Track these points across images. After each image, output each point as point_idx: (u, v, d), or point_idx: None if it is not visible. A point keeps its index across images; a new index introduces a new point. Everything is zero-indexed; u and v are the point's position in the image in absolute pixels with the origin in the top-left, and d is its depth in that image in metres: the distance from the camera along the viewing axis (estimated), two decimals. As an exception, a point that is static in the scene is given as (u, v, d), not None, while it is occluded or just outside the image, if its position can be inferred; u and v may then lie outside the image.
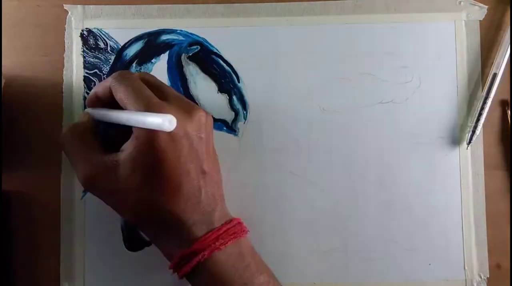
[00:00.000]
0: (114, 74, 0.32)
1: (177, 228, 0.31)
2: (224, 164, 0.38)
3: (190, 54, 0.39)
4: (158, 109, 0.29)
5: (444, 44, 0.38)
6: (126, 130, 0.31)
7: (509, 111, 0.38)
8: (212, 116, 0.38)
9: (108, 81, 0.32)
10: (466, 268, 0.38)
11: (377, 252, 0.37)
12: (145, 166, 0.30)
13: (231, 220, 0.32)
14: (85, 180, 0.31)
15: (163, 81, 0.38)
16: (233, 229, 0.32)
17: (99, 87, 0.33)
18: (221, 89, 0.39)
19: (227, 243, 0.31)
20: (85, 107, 0.38)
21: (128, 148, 0.30)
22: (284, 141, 0.38)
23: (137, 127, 0.30)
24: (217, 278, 0.30)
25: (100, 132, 0.34)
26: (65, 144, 0.33)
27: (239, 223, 0.33)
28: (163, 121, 0.26)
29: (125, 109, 0.31)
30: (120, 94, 0.31)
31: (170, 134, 0.29)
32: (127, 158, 0.30)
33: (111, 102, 0.32)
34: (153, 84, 0.32)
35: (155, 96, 0.31)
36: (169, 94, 0.32)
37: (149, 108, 0.29)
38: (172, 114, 0.28)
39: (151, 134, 0.29)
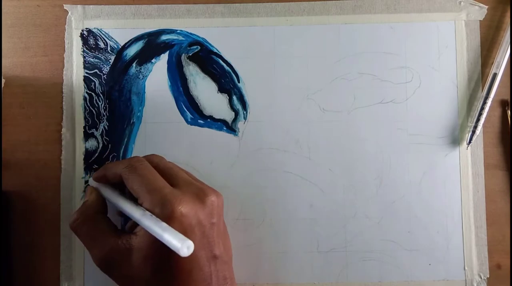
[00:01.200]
0: (125, 161, 0.32)
1: None
2: (224, 164, 0.38)
3: (190, 54, 0.39)
4: (172, 201, 0.29)
5: (444, 44, 0.38)
6: None
7: (509, 111, 0.38)
8: (212, 116, 0.38)
9: (119, 169, 0.32)
10: (466, 268, 0.38)
11: (377, 252, 0.37)
12: (157, 256, 0.29)
13: None
14: (101, 264, 0.31)
15: (163, 81, 0.38)
16: None
17: (109, 171, 0.33)
18: (221, 89, 0.39)
19: None
20: (86, 108, 0.38)
21: (141, 234, 0.30)
22: (284, 141, 0.38)
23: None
24: None
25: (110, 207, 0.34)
26: (77, 230, 0.32)
27: None
28: (181, 247, 0.26)
29: (137, 198, 0.30)
30: (132, 184, 0.31)
31: (183, 227, 0.29)
32: (141, 245, 0.30)
33: (120, 184, 0.32)
34: (163, 169, 0.32)
35: (167, 185, 0.31)
36: (180, 178, 0.32)
37: (162, 201, 0.29)
38: (184, 204, 0.29)
39: None
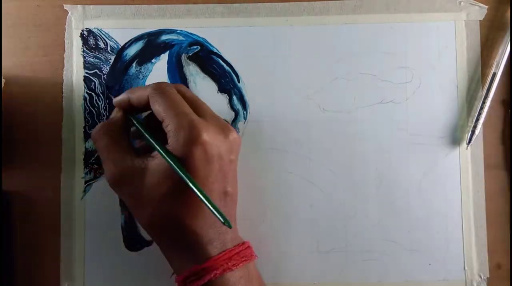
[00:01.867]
0: (153, 84, 0.32)
1: (192, 244, 0.31)
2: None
3: (190, 54, 0.39)
4: (198, 127, 0.29)
5: (444, 44, 0.38)
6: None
7: (509, 111, 0.38)
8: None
9: (147, 91, 0.32)
10: (466, 268, 0.38)
11: (377, 252, 0.37)
12: (173, 179, 0.30)
13: (243, 243, 0.32)
14: (112, 179, 0.31)
15: (163, 81, 0.38)
16: (244, 252, 0.32)
17: (134, 94, 0.33)
18: (221, 89, 0.39)
19: (238, 264, 0.31)
20: (86, 108, 0.38)
21: (159, 158, 0.30)
22: (284, 141, 0.38)
23: (173, 140, 0.30)
24: None
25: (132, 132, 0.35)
26: (97, 141, 0.33)
27: (249, 247, 0.33)
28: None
29: (162, 121, 0.31)
30: (159, 106, 0.31)
31: (205, 154, 0.29)
32: (157, 167, 0.30)
33: (141, 109, 0.33)
34: (190, 99, 0.33)
35: (193, 113, 0.31)
36: (206, 111, 0.32)
37: (188, 125, 0.29)
38: (210, 132, 0.29)
39: (187, 150, 0.29)
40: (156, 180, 0.30)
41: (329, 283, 0.37)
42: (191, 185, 0.28)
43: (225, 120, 0.38)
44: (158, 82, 0.32)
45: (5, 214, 0.37)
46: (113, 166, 0.31)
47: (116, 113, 0.34)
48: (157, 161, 0.30)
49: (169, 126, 0.30)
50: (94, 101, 0.38)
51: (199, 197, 0.28)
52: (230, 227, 0.28)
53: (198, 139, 0.29)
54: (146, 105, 0.32)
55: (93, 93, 0.38)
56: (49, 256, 0.37)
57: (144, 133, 0.32)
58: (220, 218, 0.28)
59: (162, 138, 0.31)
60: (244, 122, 0.38)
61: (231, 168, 0.32)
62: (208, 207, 0.28)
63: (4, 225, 0.37)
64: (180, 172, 0.29)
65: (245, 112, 0.38)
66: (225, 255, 0.31)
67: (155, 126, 0.32)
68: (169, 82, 0.38)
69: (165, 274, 0.37)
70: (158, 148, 0.30)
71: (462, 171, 0.38)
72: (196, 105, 0.32)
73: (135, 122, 0.33)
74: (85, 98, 0.38)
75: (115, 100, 0.34)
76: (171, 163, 0.29)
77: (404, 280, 0.37)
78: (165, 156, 0.29)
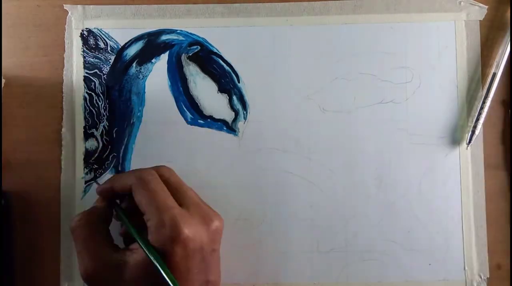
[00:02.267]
0: (136, 173, 0.32)
1: None
2: (224, 164, 0.38)
3: (190, 54, 0.39)
4: (179, 223, 0.29)
5: (444, 44, 0.38)
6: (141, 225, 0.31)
7: (509, 111, 0.38)
8: (212, 116, 0.38)
9: (130, 180, 0.31)
10: (466, 268, 0.38)
11: (377, 252, 0.37)
12: (153, 274, 0.29)
13: None
14: (87, 273, 0.30)
15: (163, 81, 0.38)
16: None
17: (117, 183, 0.32)
18: (221, 89, 0.39)
19: None
20: (86, 108, 0.38)
21: (138, 252, 0.30)
22: (284, 141, 0.38)
23: (154, 237, 0.29)
24: None
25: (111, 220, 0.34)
26: (75, 231, 0.32)
27: None
28: None
29: (144, 213, 0.30)
30: (141, 198, 0.30)
31: (186, 249, 0.29)
32: (137, 263, 0.29)
33: (124, 196, 0.32)
34: (173, 185, 0.32)
35: (176, 206, 0.30)
36: (188, 198, 0.32)
37: (170, 222, 0.29)
38: (192, 227, 0.29)
39: (168, 248, 0.29)
40: (134, 275, 0.29)
41: (329, 283, 0.37)
42: (166, 278, 0.28)
43: (224, 119, 0.38)
44: (141, 171, 0.32)
45: (5, 214, 0.37)
46: (89, 259, 0.30)
47: (98, 203, 0.33)
48: (136, 256, 0.29)
49: (150, 221, 0.30)
50: (94, 101, 0.38)
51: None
52: None
53: (179, 237, 0.29)
54: (128, 193, 0.31)
55: (93, 93, 0.38)
56: (49, 256, 0.37)
57: (127, 224, 0.31)
58: None
59: (144, 225, 0.30)
60: (244, 122, 0.38)
61: (213, 257, 0.32)
62: None
63: (4, 225, 0.37)
64: (160, 268, 0.28)
65: (245, 112, 0.38)
66: None
67: (138, 212, 0.31)
68: (169, 82, 0.38)
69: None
70: (140, 242, 0.30)
71: (462, 171, 0.38)
72: (180, 192, 0.32)
73: (119, 212, 0.33)
74: (85, 98, 0.38)
75: (99, 189, 0.34)
76: (151, 257, 0.28)
77: (404, 280, 0.37)
78: (146, 250, 0.29)
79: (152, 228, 0.29)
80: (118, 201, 0.34)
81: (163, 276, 0.28)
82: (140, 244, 0.29)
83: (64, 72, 0.38)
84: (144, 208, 0.30)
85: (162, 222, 0.29)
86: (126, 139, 0.38)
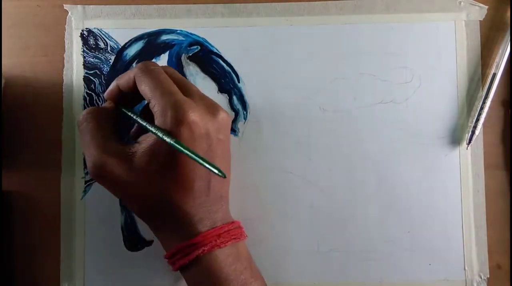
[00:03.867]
0: (139, 64, 0.32)
1: (182, 222, 0.31)
2: (224, 164, 0.38)
3: (190, 54, 0.39)
4: (184, 106, 0.29)
5: (444, 44, 0.38)
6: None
7: (510, 111, 0.38)
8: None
9: (133, 72, 0.31)
10: (466, 268, 0.38)
11: (377, 252, 0.37)
12: (162, 161, 0.30)
13: (232, 222, 0.33)
14: (95, 166, 0.30)
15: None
16: (234, 230, 0.32)
17: (121, 79, 0.32)
18: (221, 89, 0.39)
19: (227, 242, 0.31)
20: (86, 108, 0.38)
21: (147, 140, 0.30)
22: (284, 141, 0.38)
23: (161, 121, 0.30)
24: (213, 274, 0.30)
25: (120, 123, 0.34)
26: (83, 124, 0.32)
27: (239, 227, 0.33)
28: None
29: (149, 101, 0.30)
30: (145, 87, 0.30)
31: (192, 134, 0.29)
32: (145, 150, 0.30)
33: (133, 95, 0.32)
34: (176, 79, 0.32)
35: (180, 93, 0.31)
36: (193, 91, 0.32)
37: (175, 104, 0.29)
38: (197, 112, 0.29)
39: (174, 131, 0.29)
40: (144, 163, 0.30)
41: (329, 283, 0.37)
42: (181, 148, 0.28)
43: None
44: (144, 62, 0.32)
45: (5, 214, 0.37)
46: (97, 152, 0.30)
47: (107, 103, 0.34)
48: (144, 145, 0.30)
49: (156, 106, 0.30)
50: (94, 101, 0.38)
51: (192, 157, 0.28)
52: (224, 176, 0.28)
53: (185, 119, 0.29)
54: (134, 89, 0.31)
55: (93, 93, 0.38)
56: (49, 256, 0.37)
57: (133, 115, 0.32)
58: (215, 170, 0.28)
59: (151, 121, 0.31)
60: (244, 122, 0.38)
61: (220, 147, 0.32)
62: (201, 163, 0.28)
63: (4, 225, 0.37)
64: (169, 140, 0.28)
65: (245, 112, 0.38)
66: (214, 232, 0.31)
67: (145, 110, 0.32)
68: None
69: (165, 274, 0.37)
70: (146, 124, 0.30)
71: (462, 171, 0.38)
72: (184, 86, 0.32)
73: (125, 110, 0.33)
74: (85, 98, 0.38)
75: (106, 92, 0.34)
76: (161, 134, 0.29)
77: (404, 280, 0.37)
78: (154, 130, 0.29)
79: (158, 112, 0.30)
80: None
81: (172, 162, 0.29)
82: (146, 125, 0.30)
83: (64, 72, 0.38)
84: (149, 95, 0.30)
85: (168, 104, 0.29)
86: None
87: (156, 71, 0.31)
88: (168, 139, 0.28)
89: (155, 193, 0.30)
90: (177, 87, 0.31)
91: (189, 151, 0.28)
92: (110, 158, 0.30)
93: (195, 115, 0.29)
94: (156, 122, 0.30)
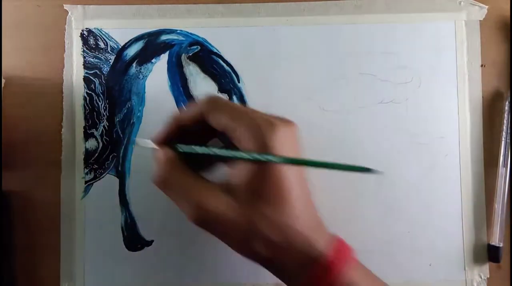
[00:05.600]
0: (204, 100, 0.30)
1: (302, 246, 0.28)
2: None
3: (190, 54, 0.39)
4: (269, 118, 0.29)
5: (444, 44, 0.38)
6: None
7: (510, 111, 0.38)
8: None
9: (199, 108, 0.30)
10: (466, 268, 0.38)
11: (377, 252, 0.37)
12: (263, 182, 0.28)
13: (334, 237, 0.31)
14: (196, 212, 0.28)
15: (163, 81, 0.38)
16: (345, 245, 0.30)
17: (183, 117, 0.31)
18: (221, 89, 0.39)
19: (351, 257, 0.30)
20: (86, 108, 0.38)
21: (238, 170, 0.29)
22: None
23: (248, 138, 0.28)
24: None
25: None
26: (163, 182, 0.30)
27: (342, 240, 0.31)
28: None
29: (228, 130, 0.29)
30: (220, 118, 0.29)
31: (286, 140, 0.29)
32: (243, 181, 0.28)
33: (189, 131, 0.31)
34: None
35: (255, 110, 0.30)
36: (254, 111, 0.31)
37: (261, 118, 0.28)
38: (280, 124, 0.28)
39: (267, 142, 0.28)
40: (247, 193, 0.28)
41: (329, 283, 0.37)
42: (297, 161, 0.27)
43: None
44: (208, 97, 0.30)
45: (5, 214, 0.37)
46: (192, 201, 0.28)
47: (166, 153, 0.30)
48: (237, 179, 0.29)
49: (240, 129, 0.28)
50: (94, 101, 0.38)
51: (326, 165, 0.27)
52: (378, 172, 0.27)
53: (277, 129, 0.28)
54: (198, 124, 0.30)
55: (93, 93, 0.38)
56: (49, 256, 0.37)
57: (215, 151, 0.30)
58: (362, 169, 0.27)
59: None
60: (244, 122, 0.38)
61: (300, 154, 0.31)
62: (343, 167, 0.27)
63: (4, 225, 0.37)
64: (273, 158, 0.27)
65: (245, 112, 0.38)
66: (337, 249, 0.29)
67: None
68: (169, 82, 0.38)
69: (165, 274, 0.37)
70: (235, 152, 0.29)
71: (462, 171, 0.38)
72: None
73: (200, 148, 0.30)
74: (85, 98, 0.38)
75: (158, 135, 0.31)
76: (259, 157, 0.27)
77: (404, 280, 0.37)
78: (246, 155, 0.28)
79: (245, 131, 0.28)
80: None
81: (276, 188, 0.27)
82: (238, 153, 0.28)
83: (64, 72, 0.38)
84: (228, 122, 0.29)
85: (255, 122, 0.28)
86: (126, 139, 0.38)
87: (223, 101, 0.30)
88: (273, 159, 0.27)
89: (267, 223, 0.28)
90: None
91: (311, 162, 0.28)
92: (209, 199, 0.28)
93: (283, 126, 0.29)
94: (243, 143, 0.28)
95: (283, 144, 0.28)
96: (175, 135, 0.31)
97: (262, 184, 0.28)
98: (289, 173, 0.28)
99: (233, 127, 0.29)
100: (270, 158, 0.27)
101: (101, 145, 0.38)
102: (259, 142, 0.28)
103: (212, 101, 0.30)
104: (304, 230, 0.29)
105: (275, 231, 0.28)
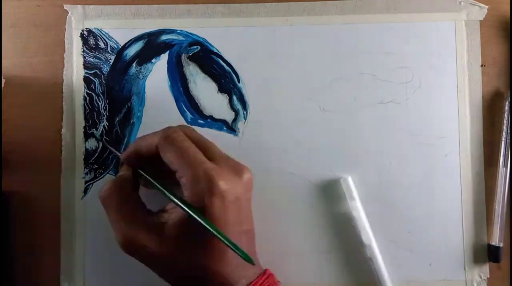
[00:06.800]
0: (160, 133, 0.31)
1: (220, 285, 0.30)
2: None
3: (190, 54, 0.39)
4: (214, 176, 0.29)
5: (444, 44, 0.38)
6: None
7: (510, 111, 0.38)
8: (212, 116, 0.38)
9: (155, 140, 0.31)
10: (466, 268, 0.38)
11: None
12: (193, 230, 0.29)
13: (264, 272, 0.32)
14: (125, 240, 0.30)
15: (163, 81, 0.38)
16: (268, 280, 0.32)
17: (141, 145, 0.32)
18: (221, 89, 0.39)
19: None
20: (86, 108, 0.38)
21: (176, 210, 0.30)
22: (284, 141, 0.38)
23: (190, 193, 0.29)
24: None
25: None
26: (105, 201, 0.31)
27: (271, 274, 0.33)
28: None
29: (174, 171, 0.30)
30: (170, 156, 0.30)
31: (223, 202, 0.29)
32: (175, 223, 0.30)
33: (149, 159, 0.32)
34: (196, 141, 0.32)
35: (206, 160, 0.30)
36: (215, 152, 0.32)
37: (204, 176, 0.29)
38: (226, 179, 0.29)
39: (205, 202, 0.29)
40: (174, 233, 0.30)
41: (329, 283, 0.37)
42: (212, 231, 0.28)
43: (224, 119, 0.38)
44: (166, 130, 0.31)
45: (5, 214, 0.37)
46: (125, 226, 0.30)
47: (124, 171, 0.33)
48: (174, 216, 0.30)
49: (184, 178, 0.29)
50: (94, 101, 0.38)
51: (223, 241, 0.28)
52: (253, 264, 0.28)
53: (216, 190, 0.29)
54: (156, 154, 0.31)
55: (93, 93, 0.38)
56: (49, 256, 0.37)
57: (159, 187, 0.31)
58: (242, 256, 0.28)
59: (173, 184, 0.30)
60: (244, 122, 0.38)
61: (247, 207, 0.32)
62: (232, 249, 0.28)
63: (4, 225, 0.37)
64: (199, 219, 0.28)
65: (245, 112, 0.38)
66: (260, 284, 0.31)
67: (165, 171, 0.31)
68: (169, 82, 0.38)
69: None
70: (175, 199, 0.30)
71: (462, 171, 0.38)
72: (205, 147, 0.32)
73: (147, 177, 0.32)
74: (85, 98, 0.38)
75: (123, 156, 0.33)
76: (190, 212, 0.29)
77: (404, 280, 0.37)
78: (184, 206, 0.29)
79: (187, 183, 0.29)
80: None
81: (203, 230, 0.28)
82: (176, 201, 0.29)
83: (64, 72, 0.38)
84: (176, 166, 0.30)
85: (197, 176, 0.29)
86: (126, 139, 0.38)
87: (179, 139, 0.30)
88: (200, 220, 0.28)
89: (189, 262, 0.30)
90: (199, 149, 0.31)
91: (219, 234, 0.28)
92: (139, 232, 0.30)
93: (225, 184, 0.29)
94: (186, 193, 0.30)
95: (219, 207, 0.29)
96: (136, 158, 0.32)
97: (191, 231, 0.29)
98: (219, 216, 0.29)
99: (177, 169, 0.30)
100: (199, 220, 0.28)
101: (101, 145, 0.38)
102: (197, 197, 0.29)
103: (166, 136, 0.31)
104: (224, 270, 0.30)
105: (195, 271, 0.30)
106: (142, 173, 0.33)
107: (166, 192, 0.31)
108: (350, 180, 0.37)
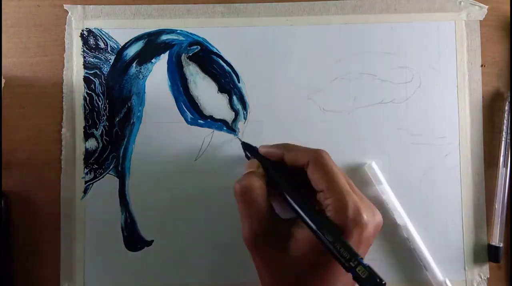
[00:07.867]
0: (313, 151, 0.31)
1: None
2: (224, 164, 0.38)
3: (190, 54, 0.39)
4: (361, 208, 0.29)
5: (444, 44, 0.38)
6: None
7: (510, 111, 0.38)
8: (212, 116, 0.38)
9: (307, 156, 0.31)
10: (466, 268, 0.38)
11: (377, 252, 0.37)
12: (317, 252, 0.29)
13: None
14: (254, 236, 0.30)
15: (163, 81, 0.38)
16: None
17: (291, 152, 0.32)
18: (221, 89, 0.39)
19: None
20: (86, 108, 0.38)
21: (307, 245, 0.30)
22: (284, 141, 0.38)
23: (335, 217, 0.29)
24: None
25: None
26: (248, 192, 0.31)
27: None
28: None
29: (319, 190, 0.30)
30: (320, 177, 0.30)
31: (361, 234, 0.29)
32: (305, 238, 0.29)
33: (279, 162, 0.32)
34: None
35: (352, 192, 0.30)
36: (353, 186, 0.32)
37: (354, 206, 0.29)
38: (368, 215, 0.29)
39: (346, 229, 0.28)
40: (300, 250, 0.29)
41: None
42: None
43: (224, 119, 0.38)
44: (317, 150, 0.31)
45: (5, 214, 0.37)
46: (257, 222, 0.30)
47: (258, 168, 0.33)
48: (306, 231, 0.29)
49: (330, 200, 0.29)
50: (94, 101, 0.38)
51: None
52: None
53: (361, 222, 0.29)
54: (299, 167, 0.31)
55: (93, 93, 0.38)
56: (49, 256, 0.37)
57: (297, 202, 0.30)
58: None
59: (302, 195, 0.30)
60: (244, 122, 0.38)
61: (368, 246, 0.31)
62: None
63: (3, 225, 0.37)
64: (346, 242, 0.28)
65: (245, 112, 0.38)
66: None
67: (288, 178, 0.31)
68: (169, 82, 0.38)
69: (165, 274, 0.37)
70: (307, 219, 0.29)
71: (462, 171, 0.38)
72: (347, 181, 0.32)
73: (286, 195, 0.31)
74: (85, 98, 0.38)
75: (265, 150, 0.33)
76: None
77: (404, 280, 0.37)
78: (321, 230, 0.28)
79: (334, 207, 0.29)
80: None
81: (334, 254, 0.27)
82: (313, 222, 0.29)
83: (64, 72, 0.38)
84: (323, 187, 0.30)
85: (346, 204, 0.29)
86: (126, 139, 0.38)
87: (331, 163, 0.31)
88: (347, 243, 0.28)
89: (305, 283, 0.30)
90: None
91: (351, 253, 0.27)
92: (269, 232, 0.30)
93: (367, 219, 0.29)
94: (329, 214, 0.29)
95: (356, 238, 0.29)
96: (274, 158, 0.33)
97: (318, 250, 0.29)
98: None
99: (325, 190, 0.30)
100: (347, 243, 0.28)
101: (101, 145, 0.38)
102: (340, 223, 0.29)
103: (319, 156, 0.31)
104: None
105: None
106: (286, 195, 0.31)
107: (306, 208, 0.30)
108: (374, 164, 0.37)
